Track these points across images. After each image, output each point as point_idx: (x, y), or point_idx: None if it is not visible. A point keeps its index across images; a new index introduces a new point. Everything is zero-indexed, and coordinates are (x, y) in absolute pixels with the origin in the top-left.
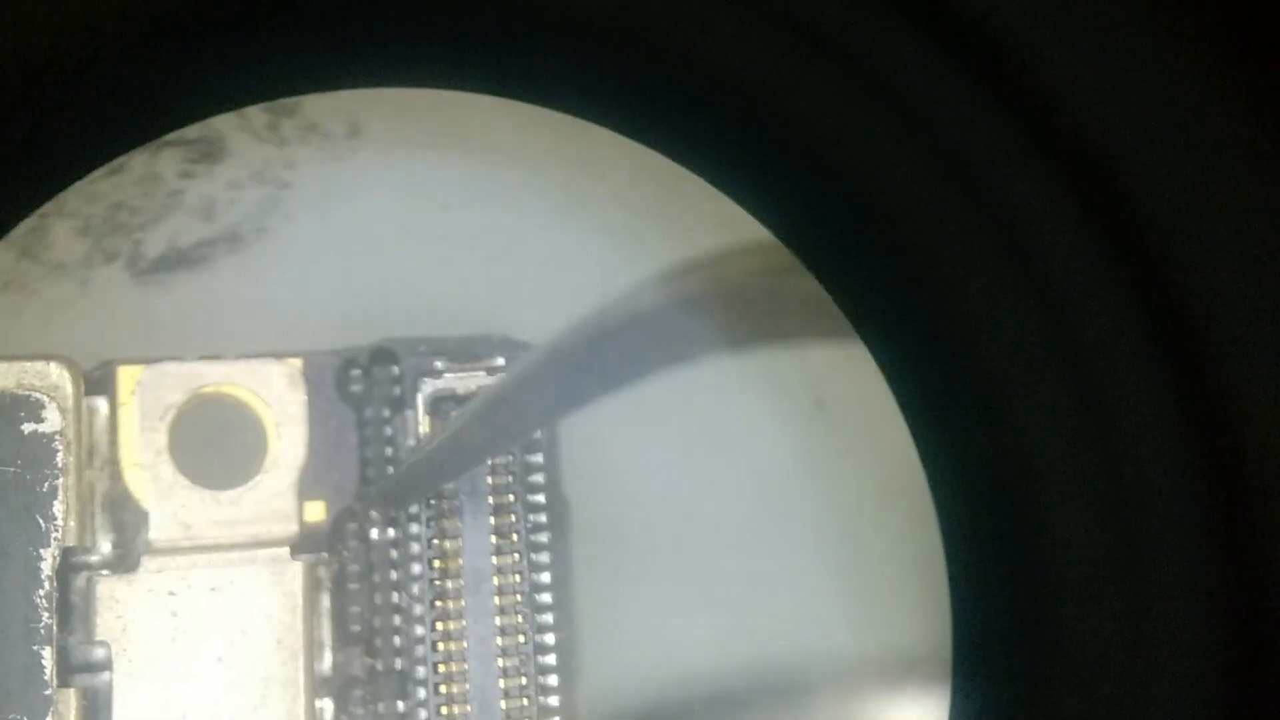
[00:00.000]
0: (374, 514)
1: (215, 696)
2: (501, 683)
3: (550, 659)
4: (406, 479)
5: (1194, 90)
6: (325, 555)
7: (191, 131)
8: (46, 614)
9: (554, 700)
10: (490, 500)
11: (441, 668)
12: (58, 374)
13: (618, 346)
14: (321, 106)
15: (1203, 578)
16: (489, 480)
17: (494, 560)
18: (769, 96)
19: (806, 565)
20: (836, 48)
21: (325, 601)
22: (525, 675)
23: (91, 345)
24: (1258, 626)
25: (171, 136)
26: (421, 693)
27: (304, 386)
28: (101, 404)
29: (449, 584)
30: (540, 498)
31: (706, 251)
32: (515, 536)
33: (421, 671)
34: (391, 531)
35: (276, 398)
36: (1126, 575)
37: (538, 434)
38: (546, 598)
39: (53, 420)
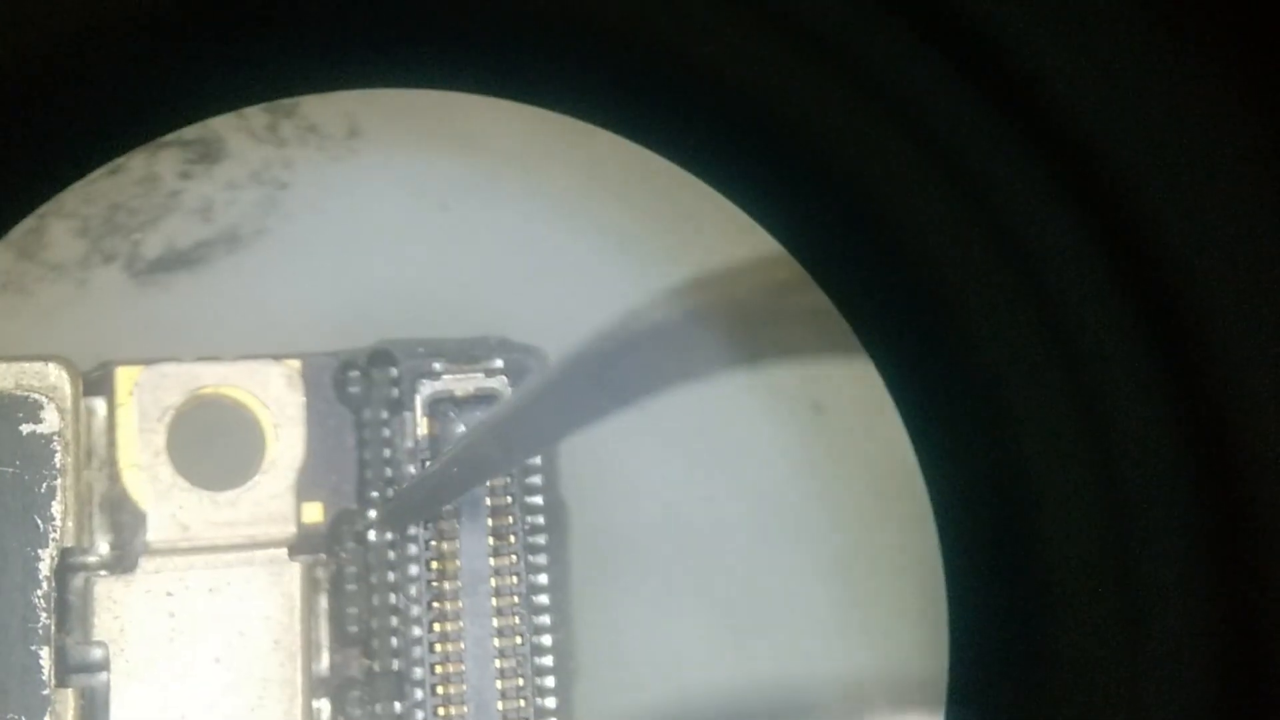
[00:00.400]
0: (388, 535)
1: (213, 697)
2: (499, 684)
3: (547, 660)
4: (416, 496)
5: (1193, 92)
6: (323, 556)
7: (190, 132)
8: (44, 614)
9: (551, 702)
10: (488, 502)
11: (439, 669)
12: (56, 375)
13: (631, 362)
14: (321, 107)
15: (1201, 580)
16: (486, 483)
17: (491, 562)
18: (766, 98)
19: (803, 567)
20: (837, 50)
21: (323, 602)
22: (522, 676)
23: (90, 346)
24: (1256, 629)
25: (171, 137)
26: (419, 694)
27: (302, 388)
28: (100, 405)
29: (446, 585)
30: (538, 499)
31: (704, 256)
32: (513, 538)
33: (419, 672)
34: (389, 533)
35: (275, 399)
36: (1125, 578)
37: None
38: (544, 599)
39: (51, 421)
